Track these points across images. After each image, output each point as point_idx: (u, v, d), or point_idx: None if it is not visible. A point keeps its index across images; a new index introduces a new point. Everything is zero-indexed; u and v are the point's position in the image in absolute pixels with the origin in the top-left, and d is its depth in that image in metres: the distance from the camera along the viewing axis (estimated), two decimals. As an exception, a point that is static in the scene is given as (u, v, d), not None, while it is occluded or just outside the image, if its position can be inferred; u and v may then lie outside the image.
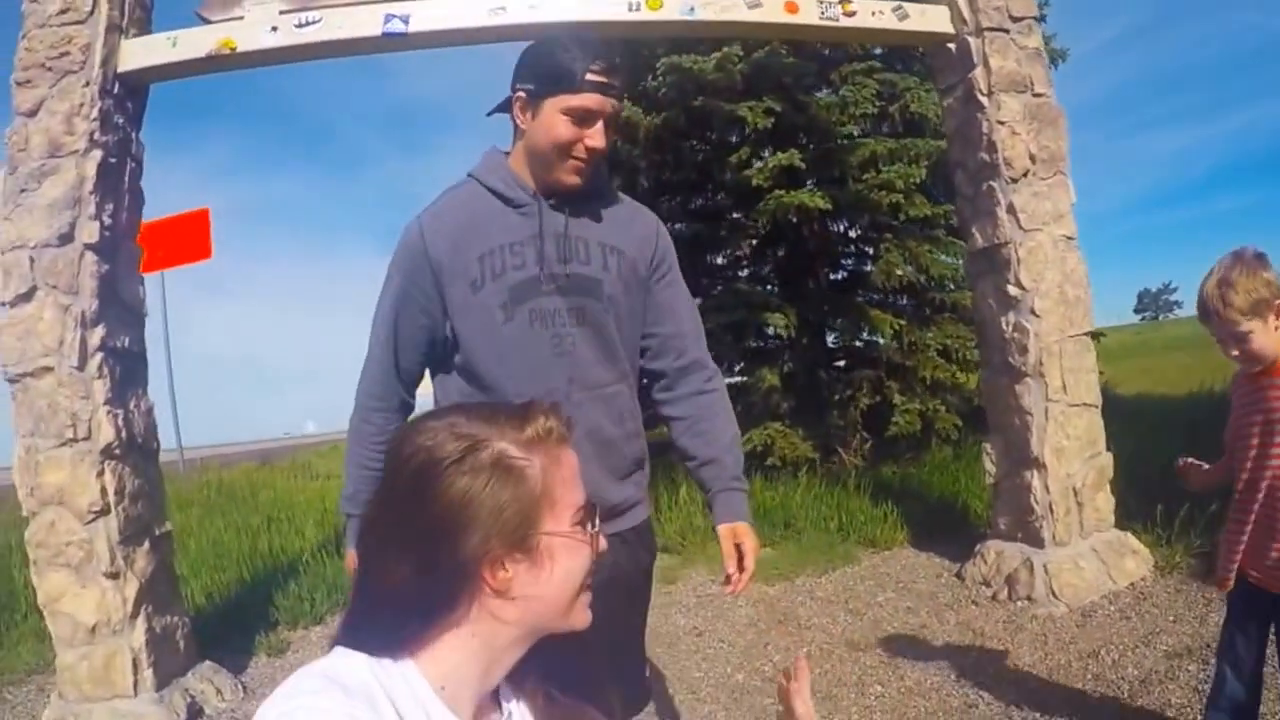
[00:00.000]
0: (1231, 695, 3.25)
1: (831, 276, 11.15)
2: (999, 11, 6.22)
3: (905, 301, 10.61)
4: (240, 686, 5.65)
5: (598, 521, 1.32)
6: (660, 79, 9.34)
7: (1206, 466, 3.42)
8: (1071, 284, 6.18)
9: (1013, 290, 6.13)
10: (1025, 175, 6.16)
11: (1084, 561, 5.79)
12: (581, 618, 1.32)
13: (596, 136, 2.34)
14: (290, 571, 7.81)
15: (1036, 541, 6.01)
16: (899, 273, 9.78)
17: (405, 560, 1.20)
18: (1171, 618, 5.17)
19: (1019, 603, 5.79)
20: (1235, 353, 3.01)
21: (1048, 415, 6.00)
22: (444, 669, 1.22)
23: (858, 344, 10.86)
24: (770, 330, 10.21)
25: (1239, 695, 3.25)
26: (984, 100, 6.19)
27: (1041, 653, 5.03)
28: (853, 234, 11.01)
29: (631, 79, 10.14)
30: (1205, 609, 5.16)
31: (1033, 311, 6.06)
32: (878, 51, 10.20)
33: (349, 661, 1.18)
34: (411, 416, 2.44)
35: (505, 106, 2.45)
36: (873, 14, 6.09)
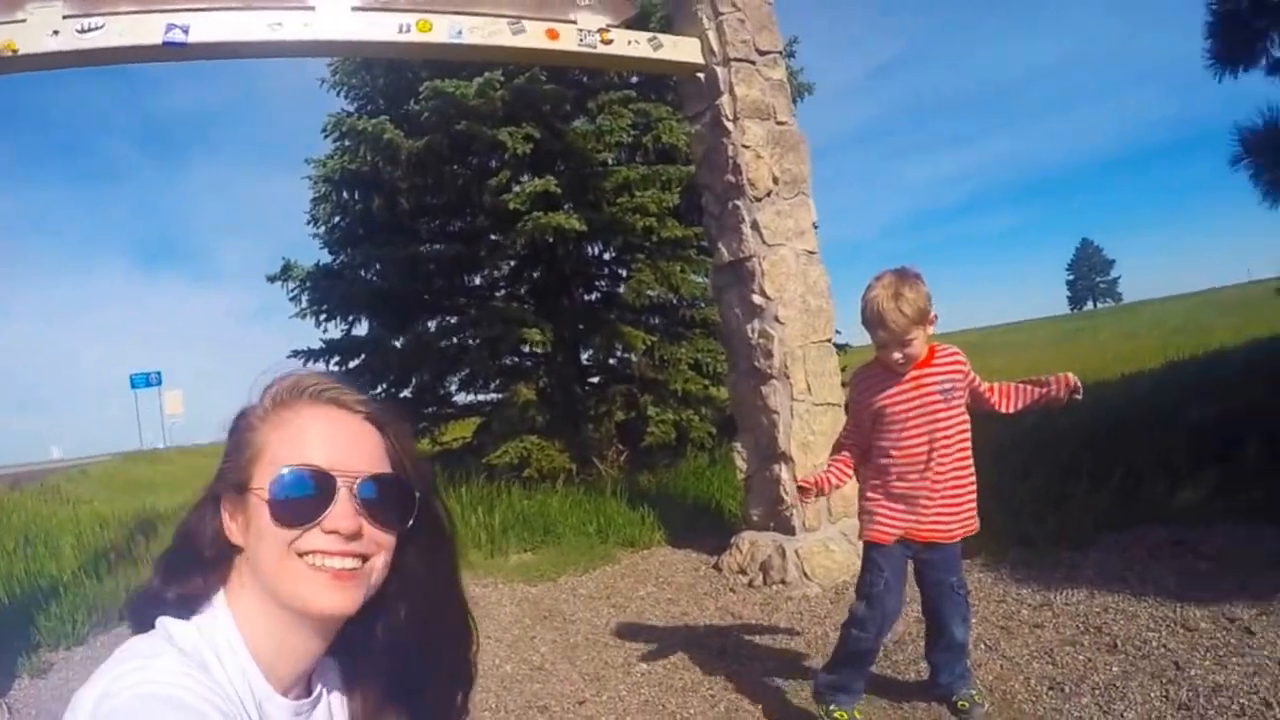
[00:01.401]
0: (882, 628, 3.85)
1: (585, 297, 11.32)
2: (746, 45, 6.57)
3: (657, 320, 10.85)
4: (5, 708, 5.29)
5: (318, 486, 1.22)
6: (423, 103, 9.28)
7: (816, 479, 3.90)
8: (814, 294, 6.52)
9: (757, 300, 6.44)
10: (768, 195, 6.50)
11: (834, 545, 6.08)
12: (314, 599, 1.19)
13: None
14: (50, 594, 7.27)
15: (788, 529, 6.28)
16: (650, 292, 10.03)
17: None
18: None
19: (774, 586, 6.03)
20: (898, 355, 3.54)
21: (794, 413, 6.30)
22: (248, 631, 1.20)
23: (611, 361, 11.05)
24: (526, 347, 10.28)
25: (893, 621, 3.91)
26: (730, 126, 6.51)
27: (798, 628, 5.29)
28: (606, 256, 11.23)
29: (395, 102, 10.06)
30: (950, 579, 5.56)
31: (777, 319, 6.37)
32: (633, 80, 10.46)
33: (179, 626, 1.16)
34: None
35: None
36: (629, 43, 6.37)
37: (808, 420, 6.30)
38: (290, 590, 1.18)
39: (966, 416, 3.72)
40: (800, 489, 3.93)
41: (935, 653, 3.94)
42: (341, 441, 1.24)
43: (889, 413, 3.70)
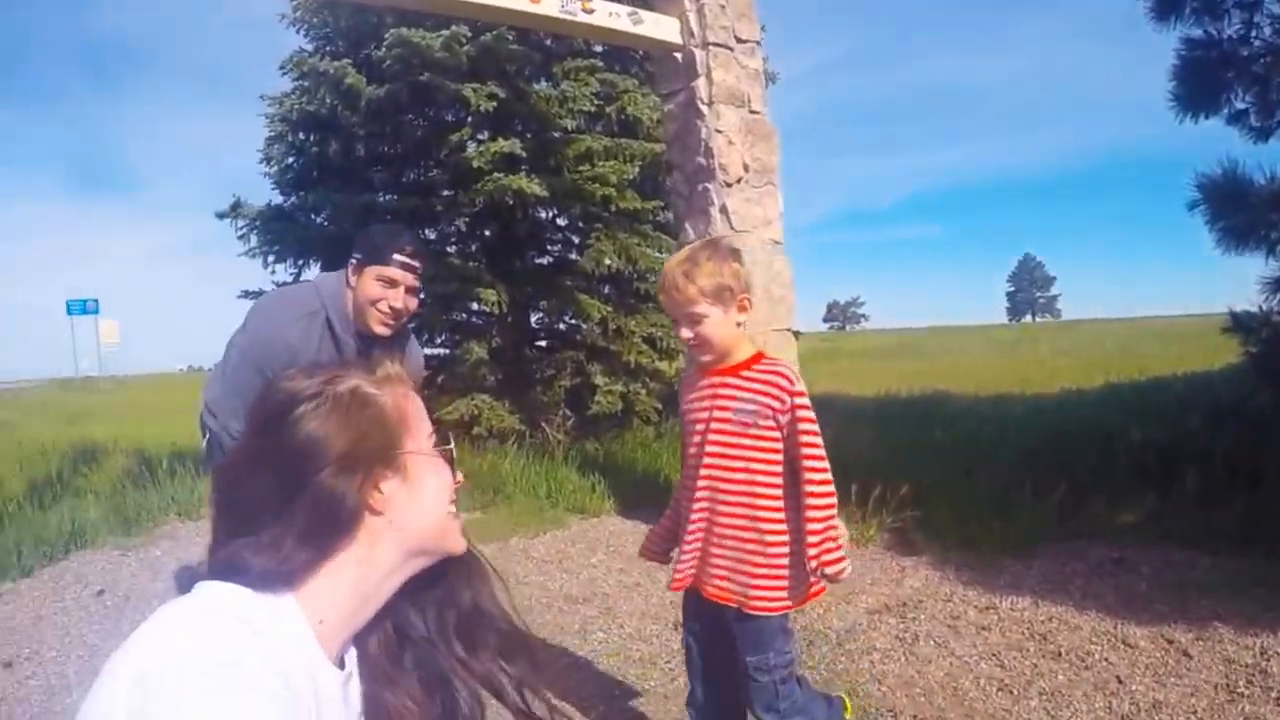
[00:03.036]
0: (701, 699, 3.11)
1: (537, 260, 11.17)
2: (725, 30, 6.46)
3: (610, 290, 10.76)
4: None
5: (451, 441, 1.41)
6: (387, 50, 9.05)
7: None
8: (777, 284, 6.48)
9: None
10: (739, 181, 6.41)
11: (781, 529, 6.09)
12: (457, 541, 1.38)
13: (397, 298, 3.20)
14: (-6, 525, 7.20)
15: None
16: (607, 261, 9.90)
17: (281, 494, 1.21)
18: (869, 581, 5.58)
19: (724, 567, 6.07)
20: (689, 334, 2.82)
21: None
22: (323, 603, 1.22)
23: (561, 326, 11.00)
24: (477, 305, 10.13)
25: (701, 699, 3.11)
26: (704, 109, 6.40)
27: (749, 608, 5.32)
28: (561, 221, 11.07)
29: (357, 46, 9.91)
30: (900, 575, 5.67)
31: None
32: (599, 50, 10.30)
33: (232, 593, 1.15)
34: None
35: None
36: (609, 15, 6.26)
37: (765, 406, 6.27)
38: (446, 535, 1.35)
39: (775, 456, 2.80)
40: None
41: None
42: (423, 410, 1.41)
43: (686, 420, 3.01)
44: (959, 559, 5.90)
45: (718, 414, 2.83)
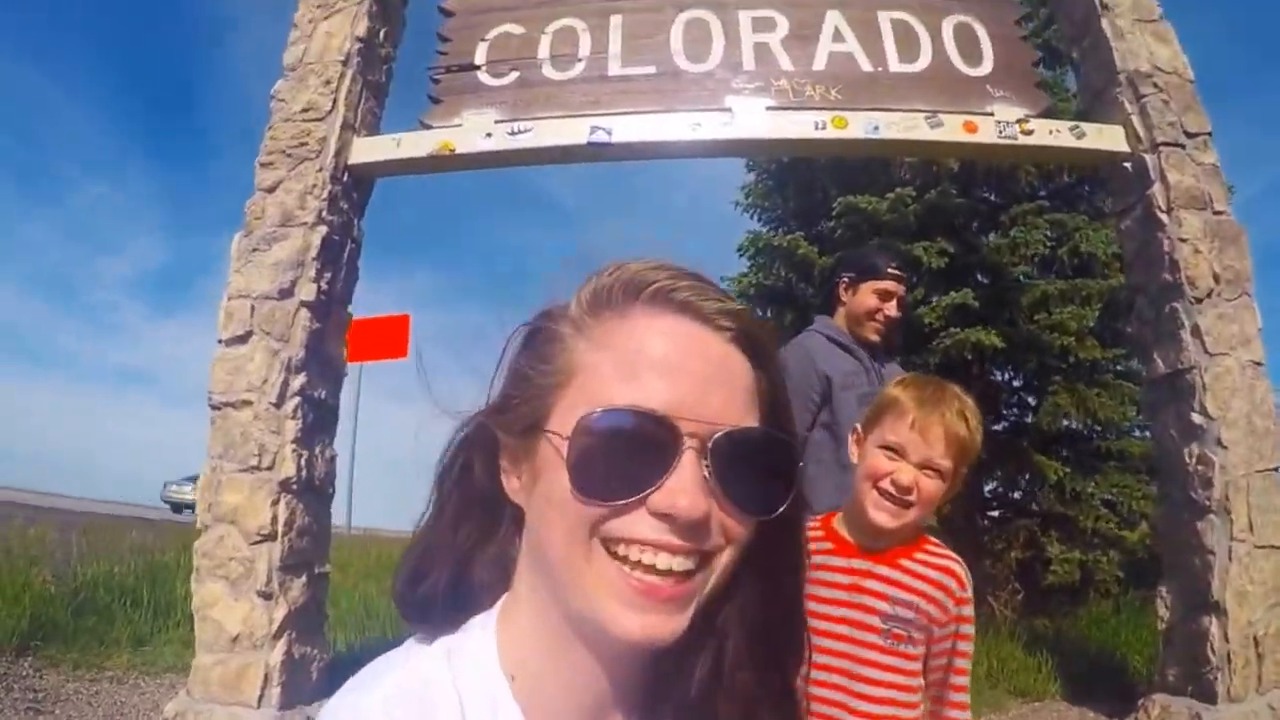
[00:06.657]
0: None
1: (993, 426, 10.44)
2: (1173, 127, 5.78)
3: (1066, 450, 9.90)
4: (306, 719, 5.64)
5: (588, 430, 0.77)
6: (836, 220, 9.37)
7: None
8: (1260, 414, 5.40)
9: (1197, 418, 5.40)
10: (1210, 295, 5.52)
11: (1259, 721, 4.91)
12: (612, 619, 0.76)
13: (892, 308, 3.77)
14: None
15: (1208, 696, 5.11)
16: (1065, 421, 9.34)
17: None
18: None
19: (1185, 762, 4.95)
20: (908, 482, 2.01)
21: (1231, 555, 5.16)
22: (515, 647, 0.83)
23: (1015, 494, 10.23)
24: (931, 473, 9.61)
25: None
26: (1163, 218, 5.66)
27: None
28: (1016, 383, 10.54)
29: (807, 222, 10.56)
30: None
31: (1219, 442, 5.28)
32: (1043, 192, 10.01)
33: (421, 649, 0.86)
34: None
35: (829, 291, 4.08)
36: (1050, 133, 5.92)
37: (1247, 565, 5.12)
38: (585, 596, 0.77)
39: (917, 683, 2.07)
40: None
41: None
42: (693, 373, 0.79)
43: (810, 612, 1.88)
44: None
45: (855, 616, 2.02)
